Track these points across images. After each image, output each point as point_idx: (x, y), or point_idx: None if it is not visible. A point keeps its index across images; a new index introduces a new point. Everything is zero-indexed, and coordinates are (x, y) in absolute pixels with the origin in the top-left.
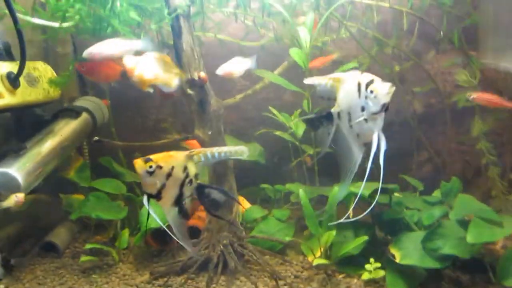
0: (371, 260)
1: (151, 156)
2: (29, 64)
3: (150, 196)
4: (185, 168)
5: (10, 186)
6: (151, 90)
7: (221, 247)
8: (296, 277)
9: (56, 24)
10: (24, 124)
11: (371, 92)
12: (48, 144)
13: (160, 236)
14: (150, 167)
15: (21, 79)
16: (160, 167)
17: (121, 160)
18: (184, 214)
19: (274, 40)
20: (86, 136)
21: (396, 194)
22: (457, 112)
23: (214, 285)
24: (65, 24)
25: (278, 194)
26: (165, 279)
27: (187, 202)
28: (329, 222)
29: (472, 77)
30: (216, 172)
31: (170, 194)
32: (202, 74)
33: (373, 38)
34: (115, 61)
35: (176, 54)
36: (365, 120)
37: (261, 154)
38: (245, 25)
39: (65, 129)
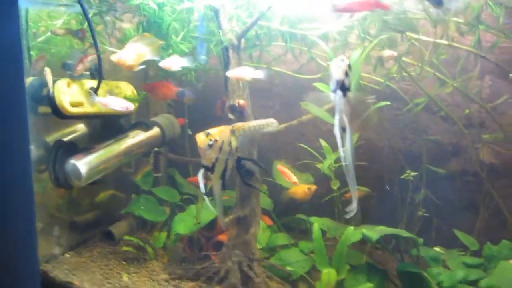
0: None
1: (209, 131)
2: (112, 83)
3: (206, 169)
4: (230, 142)
5: (75, 174)
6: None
7: (230, 264)
8: None
9: None
10: (108, 130)
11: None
12: (114, 148)
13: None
14: (210, 140)
15: (103, 94)
16: (216, 141)
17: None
18: (224, 187)
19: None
20: (153, 147)
21: (437, 249)
22: None
23: None
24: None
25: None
26: (179, 281)
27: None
28: (338, 261)
29: None
30: (241, 194)
31: (220, 167)
32: (241, 102)
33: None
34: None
35: (225, 81)
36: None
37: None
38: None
39: (133, 138)
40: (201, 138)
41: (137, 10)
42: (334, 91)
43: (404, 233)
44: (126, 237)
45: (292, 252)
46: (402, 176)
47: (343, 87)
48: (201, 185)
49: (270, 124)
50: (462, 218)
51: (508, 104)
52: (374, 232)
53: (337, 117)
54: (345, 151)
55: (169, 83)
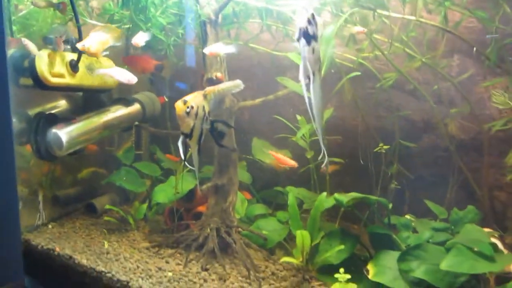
0: (341, 270)
1: (186, 98)
2: (93, 58)
3: (185, 136)
4: (203, 107)
5: (57, 143)
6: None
7: (209, 230)
8: (272, 274)
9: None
10: (89, 106)
11: None
12: (95, 120)
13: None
14: (188, 107)
15: (83, 67)
16: (193, 107)
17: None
18: (200, 151)
19: None
20: (133, 122)
21: (408, 217)
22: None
23: (193, 262)
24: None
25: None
26: (158, 248)
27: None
28: (312, 226)
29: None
30: (219, 164)
31: (197, 132)
32: (219, 74)
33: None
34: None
35: (203, 56)
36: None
37: None
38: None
39: (113, 112)
40: (179, 105)
41: None
42: (298, 40)
43: (373, 198)
44: (108, 206)
45: (270, 221)
46: (375, 150)
47: (307, 36)
48: (181, 152)
49: (237, 85)
50: (434, 191)
51: (476, 82)
52: (345, 197)
53: (301, 65)
54: (313, 98)
55: (148, 56)
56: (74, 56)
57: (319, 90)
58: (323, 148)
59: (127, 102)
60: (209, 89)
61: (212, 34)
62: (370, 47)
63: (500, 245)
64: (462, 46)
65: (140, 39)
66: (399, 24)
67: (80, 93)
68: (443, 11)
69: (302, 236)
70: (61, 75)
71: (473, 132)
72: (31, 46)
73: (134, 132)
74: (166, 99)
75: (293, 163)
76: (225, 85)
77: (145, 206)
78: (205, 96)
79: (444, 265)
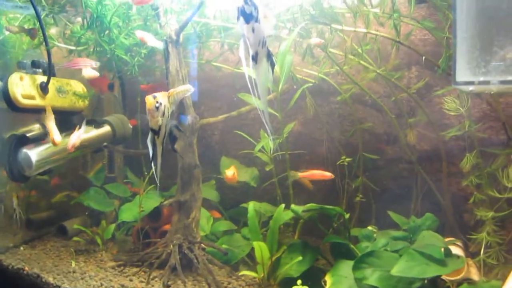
0: (299, 282)
1: (155, 94)
2: (63, 80)
3: (154, 132)
4: (168, 108)
5: (27, 163)
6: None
7: (171, 247)
8: None
9: (73, 47)
10: (61, 126)
11: None
12: (65, 140)
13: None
14: (157, 102)
15: (53, 89)
16: (161, 104)
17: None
18: (163, 151)
19: None
20: (103, 143)
21: (370, 228)
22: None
23: (156, 279)
24: (79, 48)
25: (263, 217)
26: (123, 267)
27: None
28: (271, 237)
29: (462, 105)
30: (182, 181)
31: (163, 131)
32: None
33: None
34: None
35: (166, 73)
36: None
37: (255, 178)
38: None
39: (83, 134)
40: (150, 100)
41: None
42: (238, 19)
43: (328, 207)
44: (76, 226)
45: (234, 237)
46: (338, 163)
47: (245, 14)
48: (150, 150)
49: (188, 89)
50: (400, 202)
51: (435, 92)
52: (301, 207)
53: (241, 42)
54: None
55: (105, 77)
56: (45, 78)
57: (263, 71)
58: (268, 128)
59: (97, 124)
60: (171, 91)
61: (173, 53)
62: (329, 63)
63: (460, 252)
64: (419, 59)
65: (89, 72)
66: (356, 38)
67: None
68: (392, 22)
69: (260, 248)
70: (31, 97)
71: (434, 142)
72: None
73: (107, 155)
74: (138, 122)
75: (329, 175)
76: (180, 88)
77: (113, 226)
78: (168, 98)
79: (395, 271)
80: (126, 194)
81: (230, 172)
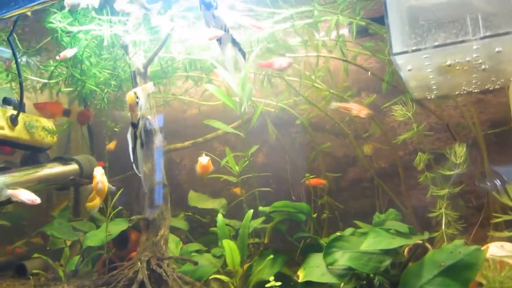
0: (271, 278)
1: (135, 90)
2: (33, 117)
3: (133, 126)
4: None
5: None
6: None
7: (139, 264)
8: None
9: (45, 80)
10: (27, 162)
11: None
12: (30, 172)
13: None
14: (137, 98)
15: (22, 124)
16: (139, 99)
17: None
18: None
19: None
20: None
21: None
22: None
23: None
24: (52, 81)
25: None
26: None
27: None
28: (241, 242)
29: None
30: (150, 200)
31: (141, 123)
32: (149, 117)
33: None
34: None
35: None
36: None
37: (224, 207)
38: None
39: (50, 168)
40: (131, 95)
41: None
42: (200, 8)
43: (296, 204)
44: (36, 255)
45: (204, 256)
46: (302, 181)
47: (205, 3)
48: (130, 143)
49: (151, 86)
50: (365, 217)
51: (386, 114)
52: (268, 208)
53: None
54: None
55: (58, 103)
56: (14, 112)
57: (229, 52)
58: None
59: (65, 161)
60: (142, 86)
61: (141, 84)
62: (288, 92)
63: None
64: (367, 85)
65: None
66: (309, 66)
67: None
68: (339, 46)
69: (230, 248)
70: (0, 127)
71: (391, 159)
72: None
73: (73, 197)
74: (106, 164)
75: (323, 181)
76: (145, 86)
77: (77, 258)
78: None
79: (364, 246)
80: (92, 229)
81: (205, 159)
